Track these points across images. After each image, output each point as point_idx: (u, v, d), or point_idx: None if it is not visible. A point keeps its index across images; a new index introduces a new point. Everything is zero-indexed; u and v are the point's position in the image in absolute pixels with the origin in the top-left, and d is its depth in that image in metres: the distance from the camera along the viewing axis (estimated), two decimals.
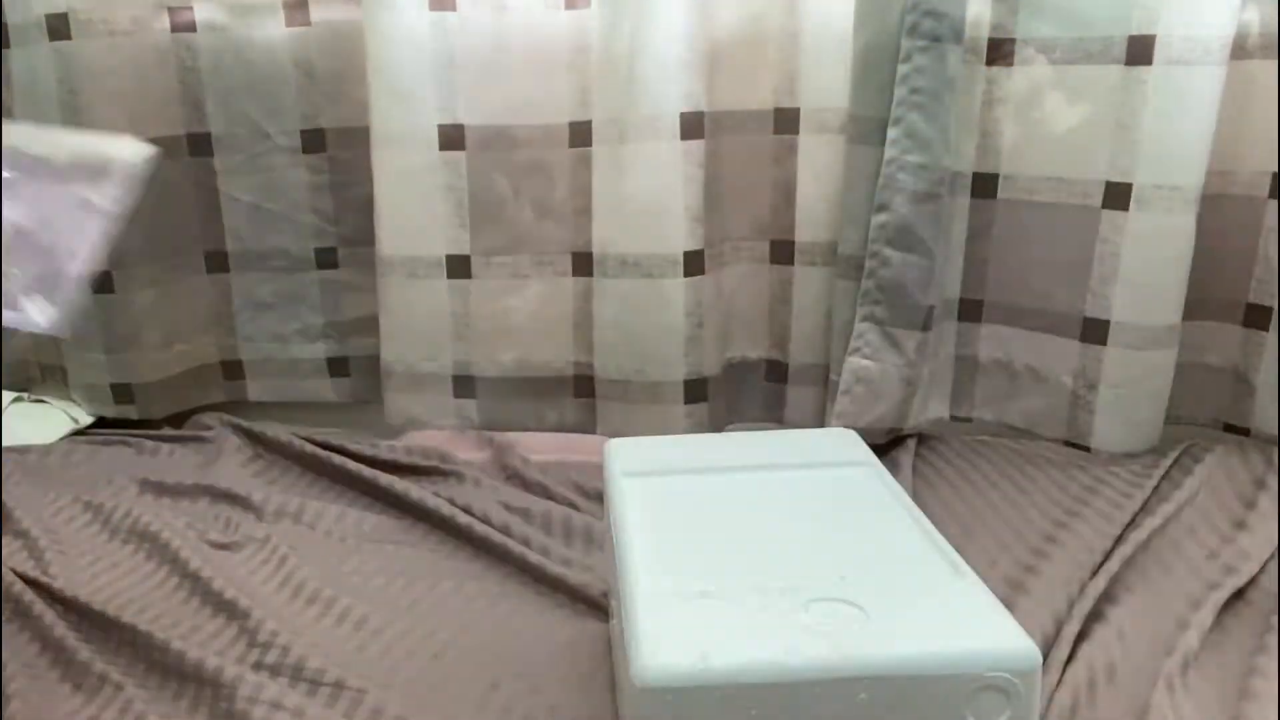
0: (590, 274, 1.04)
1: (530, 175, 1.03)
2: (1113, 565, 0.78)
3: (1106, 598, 0.75)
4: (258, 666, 0.69)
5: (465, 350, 1.07)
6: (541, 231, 1.05)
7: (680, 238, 0.99)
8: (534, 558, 0.80)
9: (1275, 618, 0.73)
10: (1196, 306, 0.96)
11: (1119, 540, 0.84)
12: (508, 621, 0.74)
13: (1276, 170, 0.93)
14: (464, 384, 1.08)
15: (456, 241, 1.04)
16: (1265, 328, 0.98)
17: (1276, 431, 0.99)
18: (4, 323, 0.53)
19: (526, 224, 1.04)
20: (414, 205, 1.01)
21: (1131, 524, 0.87)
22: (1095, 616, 0.73)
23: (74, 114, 1.00)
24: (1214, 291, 0.98)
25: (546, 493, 0.94)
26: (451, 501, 0.89)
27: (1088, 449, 0.99)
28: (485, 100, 1.00)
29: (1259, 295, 0.97)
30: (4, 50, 1.04)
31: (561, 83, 1.00)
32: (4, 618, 0.76)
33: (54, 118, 1.01)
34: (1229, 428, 1.02)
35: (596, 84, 0.99)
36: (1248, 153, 0.94)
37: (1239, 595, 0.76)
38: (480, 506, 0.89)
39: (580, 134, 1.01)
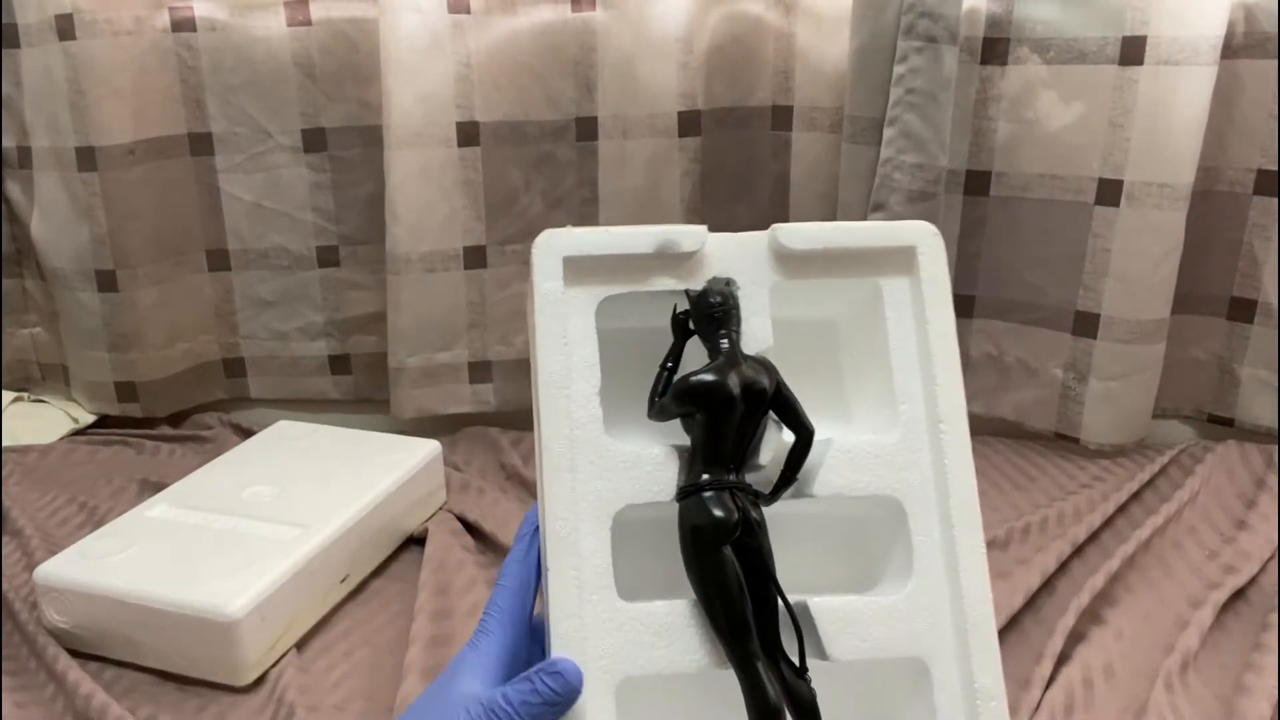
0: None
1: (540, 168, 1.05)
2: (1113, 564, 0.78)
3: (1106, 599, 0.76)
4: None
5: (481, 337, 1.09)
6: (551, 220, 1.06)
7: None
8: None
9: (1274, 615, 0.74)
10: (1181, 300, 0.97)
11: (1103, 528, 0.87)
12: None
13: (1278, 168, 0.94)
14: (480, 369, 1.10)
15: (473, 233, 1.05)
16: (1250, 320, 1.00)
17: (1260, 423, 1.01)
18: None
19: (537, 213, 1.07)
20: (432, 201, 1.02)
21: (1122, 513, 0.90)
22: (1093, 618, 0.74)
23: (81, 114, 1.00)
24: (1199, 285, 0.99)
25: None
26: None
27: (1076, 440, 1.01)
28: (499, 97, 1.02)
29: (1243, 289, 1.00)
30: (11, 50, 1.04)
31: (569, 80, 1.02)
32: (2, 618, 0.77)
33: (64, 118, 1.01)
34: (1214, 419, 1.04)
35: (601, 82, 1.00)
36: (1233, 149, 0.96)
37: (1239, 595, 0.77)
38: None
39: (587, 129, 1.03)
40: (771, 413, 0.45)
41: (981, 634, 0.43)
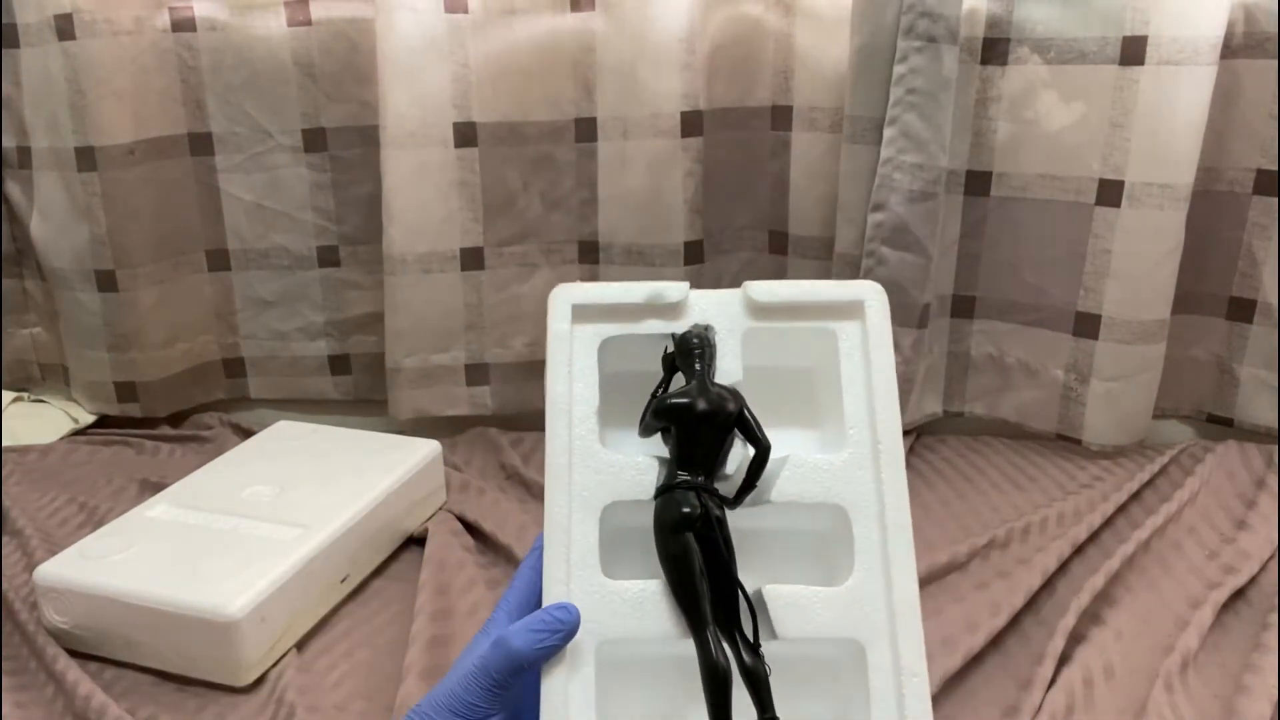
0: (596, 261, 1.07)
1: (539, 169, 1.04)
2: (1114, 564, 0.78)
3: (1105, 599, 0.76)
4: None
5: (478, 339, 1.08)
6: (550, 222, 1.07)
7: (680, 229, 1.02)
8: None
9: (1274, 615, 0.74)
10: (1181, 300, 0.97)
11: (1103, 528, 0.87)
12: None
13: (1278, 168, 0.94)
14: (477, 372, 1.09)
15: (470, 234, 1.05)
16: (1249, 320, 1.00)
17: (1260, 423, 1.01)
18: None
19: (536, 215, 1.06)
20: (428, 202, 1.02)
21: (1122, 513, 0.90)
22: (1094, 618, 0.74)
23: (81, 114, 1.00)
24: (1198, 285, 0.99)
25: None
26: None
27: (1078, 441, 1.01)
28: (497, 98, 1.01)
29: (1242, 289, 1.00)
30: (11, 50, 1.04)
31: (568, 81, 1.01)
32: (2, 618, 0.77)
33: (64, 118, 1.01)
34: (1213, 419, 1.04)
35: (601, 83, 1.00)
36: (1233, 149, 0.95)
37: (1239, 595, 0.77)
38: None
39: (586, 130, 1.03)
40: (738, 431, 0.53)
41: (907, 619, 0.50)
